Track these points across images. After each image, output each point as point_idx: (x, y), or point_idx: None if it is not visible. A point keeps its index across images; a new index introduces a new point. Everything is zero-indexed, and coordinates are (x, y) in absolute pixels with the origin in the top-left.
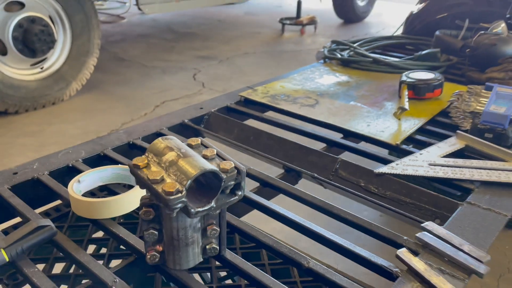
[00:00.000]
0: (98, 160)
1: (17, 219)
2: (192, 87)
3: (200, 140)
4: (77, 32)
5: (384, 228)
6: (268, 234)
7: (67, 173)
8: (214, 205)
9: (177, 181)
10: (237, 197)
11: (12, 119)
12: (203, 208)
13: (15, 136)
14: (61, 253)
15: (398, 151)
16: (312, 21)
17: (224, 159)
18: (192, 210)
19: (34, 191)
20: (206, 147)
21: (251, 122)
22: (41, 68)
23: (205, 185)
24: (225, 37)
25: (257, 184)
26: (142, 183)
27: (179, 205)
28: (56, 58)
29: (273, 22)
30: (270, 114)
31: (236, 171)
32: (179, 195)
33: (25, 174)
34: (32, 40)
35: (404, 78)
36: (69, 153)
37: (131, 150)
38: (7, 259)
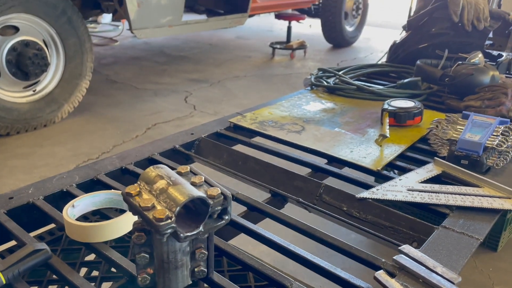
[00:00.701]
0: (91, 185)
1: (13, 243)
2: (183, 109)
3: (189, 167)
4: (70, 55)
5: (363, 251)
6: (254, 257)
7: (62, 198)
8: (202, 230)
9: (167, 208)
10: (224, 221)
11: (3, 141)
12: (192, 233)
13: (6, 158)
14: (55, 276)
15: (379, 177)
16: (302, 46)
17: (212, 186)
18: (181, 234)
19: (29, 215)
20: (195, 174)
21: (239, 148)
22: (34, 91)
23: (194, 210)
24: (216, 61)
25: (245, 208)
26: (134, 210)
27: (169, 230)
28: (48, 81)
29: (263, 46)
30: (258, 140)
31: (222, 197)
32: (169, 221)
33: (21, 199)
34: (25, 64)
35: (386, 106)
36: (64, 178)
37: (123, 175)
38: (4, 282)
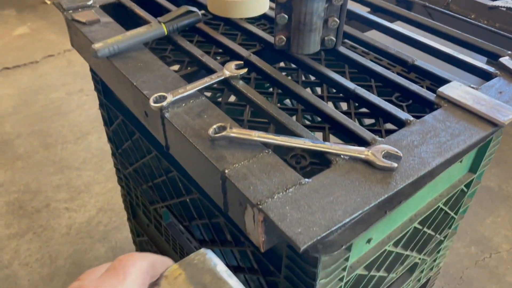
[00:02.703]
0: None
1: None
2: None
3: None
4: None
5: (488, 44)
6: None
7: None
8: None
9: None
10: None
11: None
12: None
13: None
14: (202, 38)
15: None
16: None
17: None
18: None
19: None
20: None
21: None
22: None
23: None
24: None
25: (368, 9)
26: None
27: None
28: None
29: None
30: None
31: None
32: None
33: None
34: None
35: None
36: None
37: None
38: (166, 33)
